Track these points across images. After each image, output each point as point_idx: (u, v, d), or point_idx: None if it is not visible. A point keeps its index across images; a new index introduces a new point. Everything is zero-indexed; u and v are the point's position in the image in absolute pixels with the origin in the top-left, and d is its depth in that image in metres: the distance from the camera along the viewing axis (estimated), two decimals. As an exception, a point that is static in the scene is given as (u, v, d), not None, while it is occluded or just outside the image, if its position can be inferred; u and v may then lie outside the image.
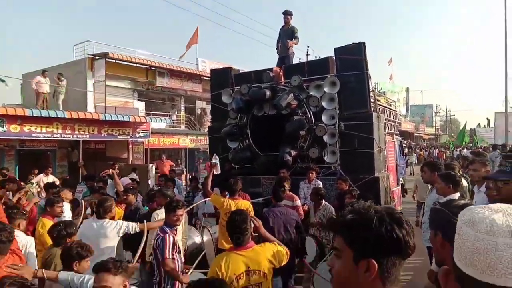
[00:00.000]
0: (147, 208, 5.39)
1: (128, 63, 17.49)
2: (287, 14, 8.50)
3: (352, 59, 7.01)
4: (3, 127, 10.01)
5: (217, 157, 5.87)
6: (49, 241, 3.86)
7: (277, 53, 8.66)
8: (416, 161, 22.55)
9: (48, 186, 6.40)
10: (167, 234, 3.68)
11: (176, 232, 4.01)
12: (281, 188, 4.76)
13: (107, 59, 16.15)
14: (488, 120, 44.22)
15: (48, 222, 4.49)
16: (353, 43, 7.05)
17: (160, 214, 4.62)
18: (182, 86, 19.99)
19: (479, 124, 46.58)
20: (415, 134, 52.75)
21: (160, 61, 18.78)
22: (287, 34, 8.48)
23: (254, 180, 7.65)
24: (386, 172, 7.92)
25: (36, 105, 13.22)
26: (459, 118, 73.62)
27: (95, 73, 16.41)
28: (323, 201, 5.86)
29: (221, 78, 8.55)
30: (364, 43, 6.96)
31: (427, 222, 4.26)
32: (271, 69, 7.83)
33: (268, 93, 7.14)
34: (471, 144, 29.87)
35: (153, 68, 18.39)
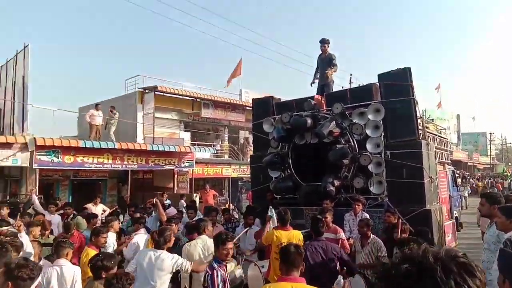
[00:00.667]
0: (187, 239, 5.34)
1: (175, 96, 18.21)
2: (324, 42, 8.44)
3: (397, 85, 6.75)
4: (58, 158, 10.65)
5: (273, 210, 5.66)
6: (89, 272, 3.90)
7: (312, 81, 8.69)
8: (469, 192, 20.98)
9: (90, 217, 6.57)
10: (215, 270, 3.55)
11: (226, 267, 3.86)
12: (319, 221, 4.52)
13: (155, 92, 16.93)
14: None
15: (92, 252, 4.56)
16: (398, 69, 6.81)
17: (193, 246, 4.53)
18: (226, 117, 20.39)
19: None
20: (469, 164, 49.61)
21: (205, 93, 19.38)
22: (325, 62, 8.41)
23: (297, 211, 7.39)
24: (438, 204, 7.38)
25: (89, 137, 14.02)
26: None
27: (144, 105, 17.21)
28: (371, 234, 5.51)
29: (263, 107, 8.57)
30: (410, 68, 6.70)
31: (486, 261, 3.83)
32: (312, 97, 7.74)
33: (309, 121, 7.02)
34: None
35: (199, 99, 18.99)
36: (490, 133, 60.06)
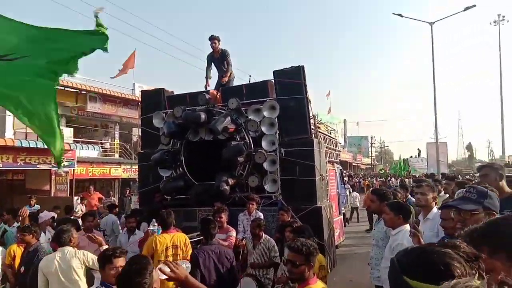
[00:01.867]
0: (51, 249, 4.42)
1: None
2: (213, 39, 7.69)
3: (291, 82, 6.72)
4: None
5: (156, 224, 4.70)
6: None
7: (206, 83, 7.91)
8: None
9: None
10: None
11: None
12: (210, 223, 4.09)
13: (29, 81, 14.67)
14: (419, 151, 47.14)
15: None
16: (292, 66, 6.78)
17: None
18: (117, 112, 18.80)
19: (411, 155, 49.49)
20: (353, 164, 54.95)
21: (91, 85, 17.53)
22: (219, 61, 7.88)
23: (189, 213, 6.90)
24: (328, 201, 7.59)
25: None
26: (391, 148, 78.52)
27: (15, 95, 14.79)
28: (263, 234, 5.30)
29: (153, 100, 7.84)
30: (303, 66, 6.72)
31: (374, 258, 3.85)
32: (207, 91, 7.30)
33: (203, 116, 6.56)
34: (403, 173, 31.29)
35: (83, 92, 17.09)
36: (371, 137, 67.51)
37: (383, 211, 3.41)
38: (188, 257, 4.52)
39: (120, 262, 2.74)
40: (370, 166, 64.61)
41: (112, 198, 16.09)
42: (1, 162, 10.75)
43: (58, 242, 3.66)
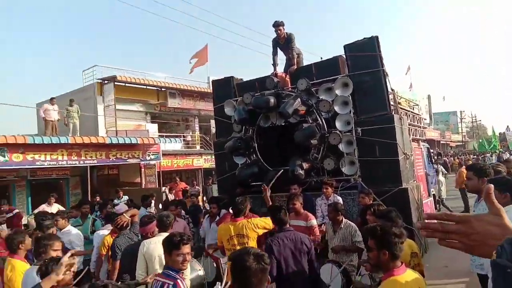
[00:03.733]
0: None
1: (137, 86, 17.21)
2: (277, 26, 7.36)
3: (365, 56, 6.20)
4: (4, 157, 9.63)
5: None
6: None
7: (274, 71, 7.51)
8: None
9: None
10: (178, 280, 2.71)
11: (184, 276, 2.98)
12: (279, 209, 3.90)
13: (115, 83, 15.89)
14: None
15: (18, 264, 3.78)
16: (364, 38, 6.25)
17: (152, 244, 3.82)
18: (195, 106, 19.55)
19: (508, 127, 43.95)
20: (441, 142, 50.60)
21: (170, 82, 18.43)
22: (285, 46, 7.51)
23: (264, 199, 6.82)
24: (415, 182, 6.95)
25: (45, 134, 12.94)
26: (484, 122, 70.57)
27: (104, 97, 16.16)
28: (343, 219, 4.99)
29: (224, 89, 7.87)
30: (377, 37, 6.15)
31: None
32: (275, 75, 7.09)
33: (272, 100, 6.38)
34: (501, 149, 27.89)
35: (164, 89, 18.04)
36: (461, 111, 61.46)
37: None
38: (255, 239, 4.39)
39: (186, 249, 2.70)
40: (461, 143, 58.89)
41: (196, 187, 16.90)
42: (96, 159, 11.80)
43: (163, 226, 3.82)
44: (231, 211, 4.79)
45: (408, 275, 2.28)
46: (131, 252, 4.02)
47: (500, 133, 33.34)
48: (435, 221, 0.94)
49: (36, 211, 9.38)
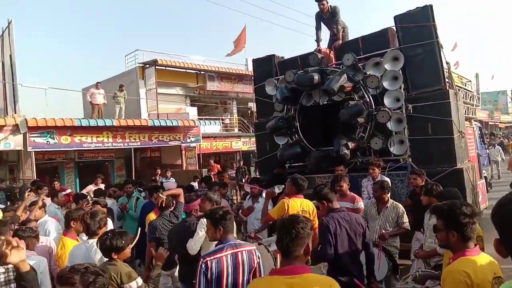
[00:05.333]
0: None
1: (177, 69, 17.37)
2: (321, 0, 6.99)
3: (417, 27, 5.74)
4: (54, 139, 10.05)
5: (280, 186, 4.76)
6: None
7: (318, 47, 7.15)
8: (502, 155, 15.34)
9: (78, 197, 5.92)
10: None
11: None
12: (323, 187, 3.72)
13: (156, 67, 16.12)
14: None
15: (70, 242, 3.87)
16: (417, 8, 5.78)
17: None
18: (233, 89, 19.52)
19: None
20: (490, 123, 47.63)
21: (208, 64, 18.45)
22: (329, 20, 7.14)
23: (308, 180, 6.62)
24: (469, 162, 6.48)
25: (91, 117, 13.40)
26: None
27: (146, 81, 16.46)
28: (389, 198, 4.73)
29: (264, 67, 7.67)
30: (431, 5, 5.65)
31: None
32: (319, 51, 6.78)
33: (316, 77, 6.10)
34: None
35: (203, 72, 18.10)
36: (511, 90, 57.45)
37: None
38: (316, 225, 4.28)
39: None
40: (511, 125, 55.12)
41: (234, 169, 17.02)
42: (139, 141, 12.09)
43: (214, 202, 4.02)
44: (276, 188, 4.66)
45: (482, 258, 2.03)
46: (178, 231, 3.99)
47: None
48: None
49: (84, 191, 9.77)
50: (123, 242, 2.78)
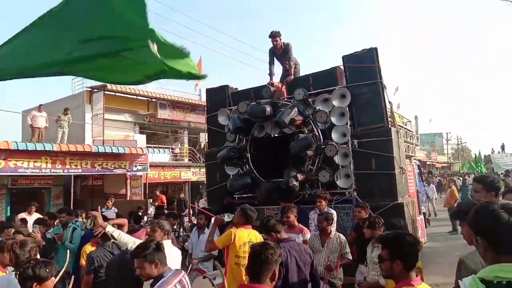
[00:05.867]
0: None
1: (127, 95, 16.96)
2: (274, 36, 7.21)
3: (363, 67, 6.13)
4: (-15, 162, 9.22)
5: (230, 216, 4.69)
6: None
7: (270, 81, 7.33)
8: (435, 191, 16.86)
9: (3, 226, 5.39)
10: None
11: None
12: (270, 219, 3.76)
13: (105, 92, 15.63)
14: (503, 145, 42.57)
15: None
16: (363, 49, 6.19)
17: None
18: (185, 118, 19.35)
19: (492, 149, 44.76)
20: (428, 163, 51.21)
21: (161, 92, 18.23)
22: (282, 57, 7.41)
23: (258, 212, 6.58)
24: (409, 197, 6.82)
25: (31, 141, 12.53)
26: (469, 145, 72.02)
27: (93, 106, 15.85)
28: (332, 230, 4.81)
29: (218, 97, 7.70)
30: (376, 48, 6.10)
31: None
32: (272, 84, 6.97)
33: (268, 109, 6.23)
34: (487, 171, 28.35)
35: (154, 99, 17.83)
36: (447, 133, 62.56)
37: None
38: None
39: None
40: (446, 165, 59.67)
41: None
42: (81, 168, 11.43)
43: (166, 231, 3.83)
44: (226, 216, 4.57)
45: (424, 287, 2.09)
46: (118, 264, 3.72)
47: (485, 156, 33.84)
48: None
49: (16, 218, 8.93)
50: (46, 271, 2.51)
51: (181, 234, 7.98)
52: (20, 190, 13.15)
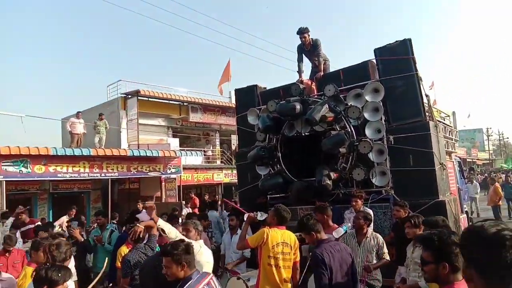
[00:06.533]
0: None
1: (160, 100, 17.32)
2: (302, 33, 7.09)
3: (397, 59, 5.86)
4: (27, 168, 9.64)
5: (263, 215, 4.56)
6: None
7: (300, 77, 7.25)
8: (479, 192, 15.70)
9: (39, 228, 5.59)
10: None
11: None
12: (309, 218, 3.63)
13: (139, 97, 16.02)
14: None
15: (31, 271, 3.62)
16: (396, 41, 5.92)
17: None
18: (216, 121, 19.51)
19: None
20: (468, 160, 48.96)
21: (192, 96, 18.49)
22: (310, 53, 7.27)
23: (291, 212, 6.45)
24: (451, 195, 6.45)
25: (70, 146, 13.03)
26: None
27: (128, 111, 16.29)
28: (368, 229, 4.59)
29: (247, 97, 7.64)
30: (410, 39, 5.81)
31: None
32: (301, 81, 6.82)
33: (298, 106, 6.08)
34: None
35: (186, 103, 18.09)
36: (488, 129, 59.57)
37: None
38: (298, 258, 4.09)
39: None
40: (488, 162, 56.73)
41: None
42: (117, 171, 11.74)
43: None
44: (259, 215, 4.48)
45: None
46: (151, 269, 3.73)
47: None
48: None
49: (56, 223, 9.27)
50: (59, 275, 2.50)
51: (214, 235, 7.96)
52: (61, 195, 13.71)
